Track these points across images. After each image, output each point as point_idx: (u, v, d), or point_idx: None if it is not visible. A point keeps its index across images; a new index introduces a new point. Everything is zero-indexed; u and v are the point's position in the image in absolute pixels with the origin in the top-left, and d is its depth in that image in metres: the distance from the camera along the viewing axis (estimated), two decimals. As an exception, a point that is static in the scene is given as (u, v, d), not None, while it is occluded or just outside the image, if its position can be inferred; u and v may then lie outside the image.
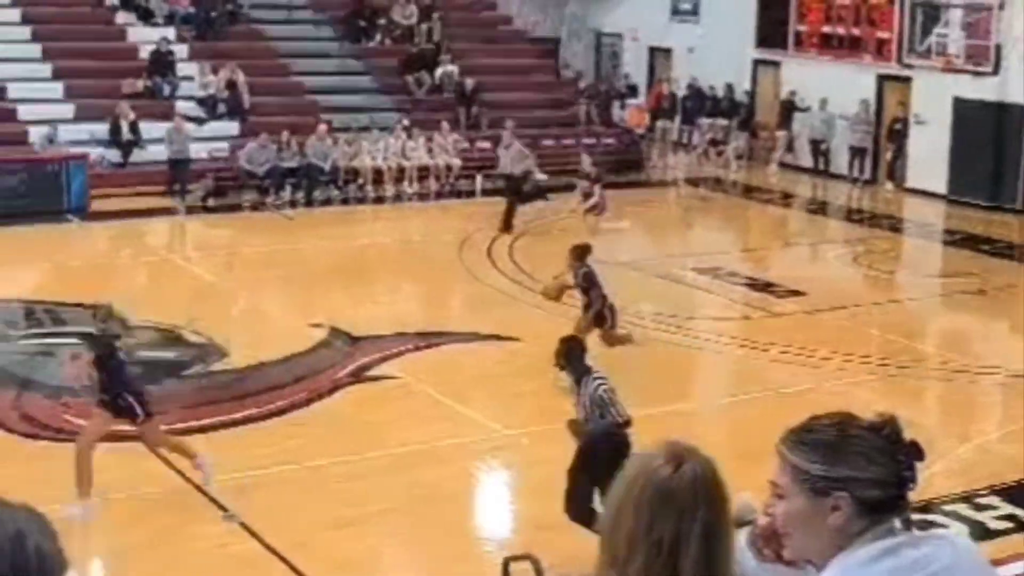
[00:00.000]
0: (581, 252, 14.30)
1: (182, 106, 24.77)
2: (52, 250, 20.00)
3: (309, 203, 23.52)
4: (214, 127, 24.92)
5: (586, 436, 9.73)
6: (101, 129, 23.67)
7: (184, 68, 25.76)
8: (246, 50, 26.77)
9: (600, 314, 14.16)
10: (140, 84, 25.02)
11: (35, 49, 25.21)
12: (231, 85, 25.34)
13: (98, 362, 10.44)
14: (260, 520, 10.30)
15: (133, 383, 10.70)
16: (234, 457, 11.59)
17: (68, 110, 24.12)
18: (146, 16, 26.85)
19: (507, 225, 21.25)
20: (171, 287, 18.27)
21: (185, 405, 13.11)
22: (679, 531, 2.36)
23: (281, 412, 12.96)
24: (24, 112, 23.75)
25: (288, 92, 26.48)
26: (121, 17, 26.90)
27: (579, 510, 9.37)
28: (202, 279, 18.68)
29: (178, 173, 22.82)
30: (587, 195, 22.12)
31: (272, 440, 12.18)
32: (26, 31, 25.54)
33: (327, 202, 23.70)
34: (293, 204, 23.37)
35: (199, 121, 24.78)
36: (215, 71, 25.54)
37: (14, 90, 24.11)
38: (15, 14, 25.75)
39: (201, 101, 25.21)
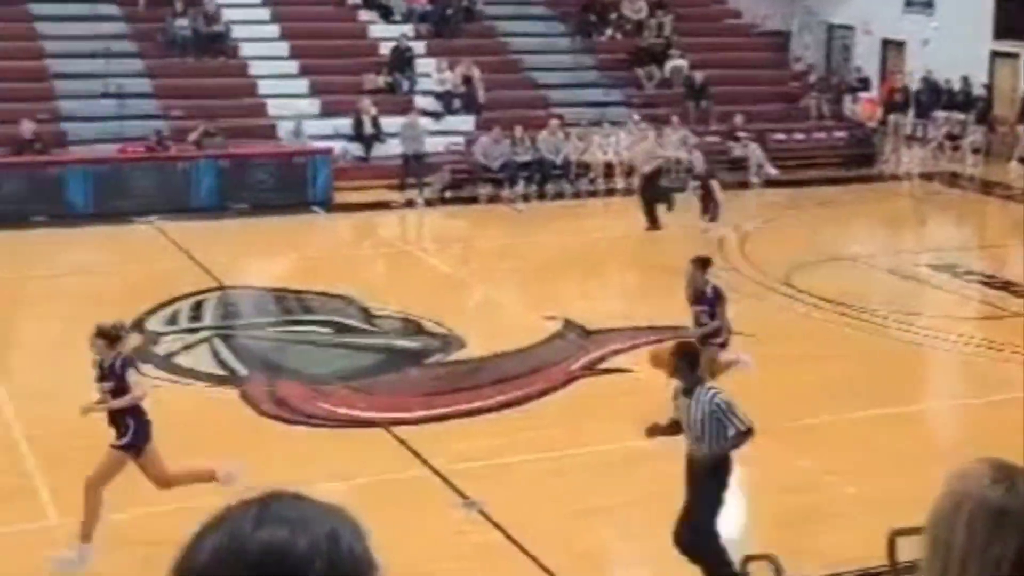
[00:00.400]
0: (703, 263, 13.05)
1: (420, 101, 25.56)
2: (299, 240, 20.95)
3: (541, 196, 23.96)
4: (450, 122, 25.64)
5: (704, 464, 8.98)
6: (344, 124, 24.60)
7: (422, 64, 26.56)
8: (481, 46, 27.43)
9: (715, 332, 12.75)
10: (381, 80, 25.90)
11: (283, 47, 26.37)
12: (467, 80, 26.02)
13: (123, 384, 9.82)
14: (497, 509, 10.47)
15: (141, 413, 9.89)
16: (471, 446, 11.93)
17: (314, 105, 25.19)
18: (386, 14, 27.77)
19: (652, 222, 21.09)
20: (410, 278, 18.92)
21: (426, 393, 13.56)
22: (1021, 550, 2.34)
23: (516, 403, 13.22)
24: (273, 108, 24.90)
25: (521, 87, 27.04)
26: (363, 15, 27.89)
27: (703, 541, 8.96)
28: (438, 270, 19.28)
29: (413, 167, 23.54)
30: (704, 199, 21.03)
31: (507, 430, 12.42)
32: (275, 29, 26.74)
33: (559, 195, 24.06)
34: (526, 197, 23.85)
35: (436, 116, 25.53)
36: (451, 67, 26.25)
37: (264, 86, 25.31)
38: (265, 13, 27.00)
39: (438, 96, 25.96)
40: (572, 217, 22.98)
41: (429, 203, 23.21)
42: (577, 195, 24.24)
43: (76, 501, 10.37)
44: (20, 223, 20.45)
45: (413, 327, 15.87)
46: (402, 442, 12.01)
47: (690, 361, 9.11)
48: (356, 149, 24.55)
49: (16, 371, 13.96)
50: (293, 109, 24.59)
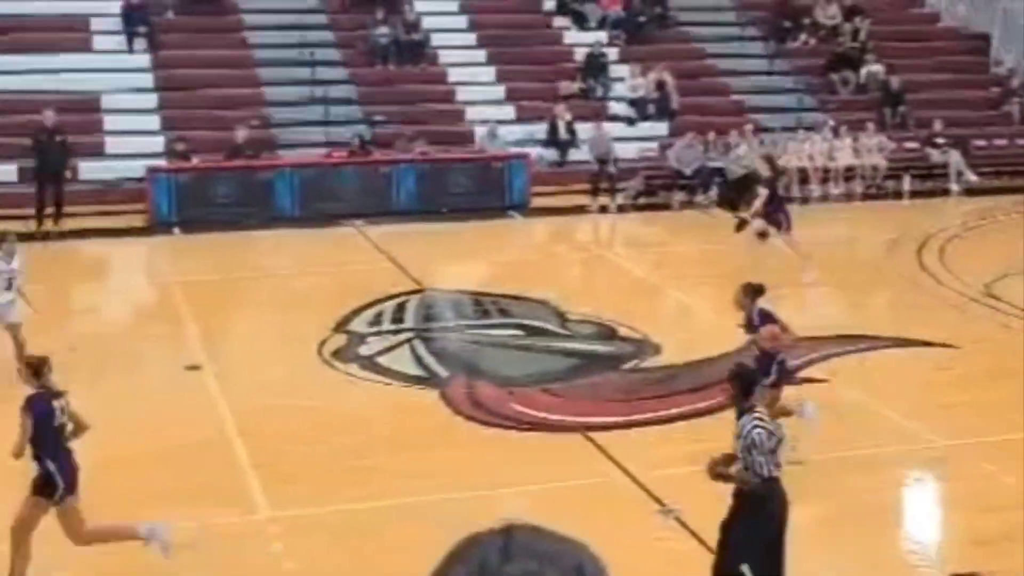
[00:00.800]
0: (754, 291, 12.34)
1: (614, 107, 25.78)
2: (496, 244, 21.39)
3: (735, 203, 23.93)
4: (644, 127, 25.80)
5: (748, 491, 8.67)
6: (539, 129, 24.96)
7: (616, 70, 26.78)
8: (674, 52, 27.49)
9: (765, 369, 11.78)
10: (575, 86, 26.20)
11: (480, 54, 26.86)
12: (660, 86, 26.14)
13: (37, 423, 9.18)
14: (692, 517, 10.42)
15: (64, 453, 9.26)
16: (666, 452, 12.03)
17: (509, 111, 25.62)
18: (580, 21, 28.07)
19: (740, 224, 20.38)
20: (604, 282, 19.14)
21: (621, 398, 13.72)
22: None
23: (710, 411, 13.10)
24: (471, 113, 25.43)
25: (714, 92, 27.04)
26: (558, 22, 28.23)
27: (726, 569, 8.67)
28: (632, 275, 19.45)
29: (603, 173, 23.73)
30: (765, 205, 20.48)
31: (701, 438, 12.18)
32: (472, 37, 27.27)
33: (753, 202, 24.00)
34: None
35: (630, 121, 25.74)
36: (644, 73, 26.41)
37: (462, 93, 25.85)
38: (463, 21, 27.56)
39: (632, 102, 26.14)
40: (765, 224, 22.84)
41: (622, 208, 23.42)
42: (771, 201, 24.08)
43: (286, 495, 10.93)
44: (233, 225, 21.36)
45: (608, 332, 16.05)
46: (598, 447, 12.15)
47: (743, 386, 8.91)
48: (551, 154, 24.90)
49: (229, 370, 14.48)
50: (489, 115, 24.99)
